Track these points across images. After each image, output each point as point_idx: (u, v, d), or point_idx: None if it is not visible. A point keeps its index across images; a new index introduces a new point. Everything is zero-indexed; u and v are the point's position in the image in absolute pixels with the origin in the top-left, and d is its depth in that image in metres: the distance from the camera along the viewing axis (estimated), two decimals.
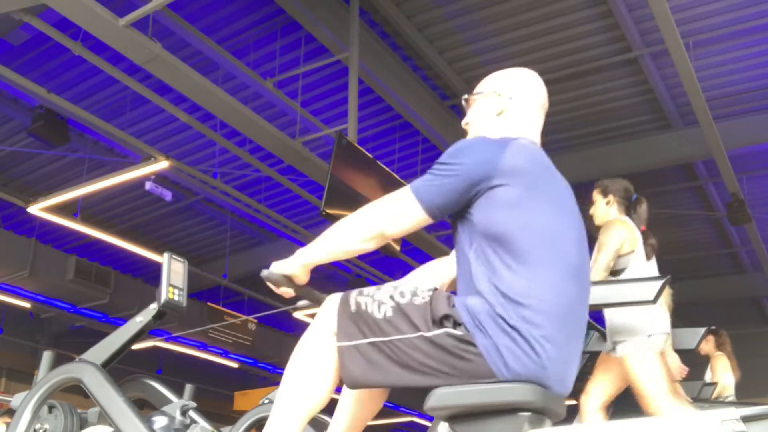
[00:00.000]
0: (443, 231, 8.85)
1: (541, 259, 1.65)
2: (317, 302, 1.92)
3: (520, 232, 1.66)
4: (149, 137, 7.84)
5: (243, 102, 6.29)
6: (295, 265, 1.84)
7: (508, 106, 1.91)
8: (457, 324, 1.63)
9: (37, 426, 2.43)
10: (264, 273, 1.84)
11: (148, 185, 7.63)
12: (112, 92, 7.23)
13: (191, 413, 2.77)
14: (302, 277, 1.86)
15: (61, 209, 8.36)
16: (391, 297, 1.71)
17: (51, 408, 2.48)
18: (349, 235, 1.78)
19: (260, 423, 3.19)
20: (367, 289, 1.77)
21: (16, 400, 2.43)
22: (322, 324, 1.77)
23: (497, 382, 1.58)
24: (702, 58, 6.66)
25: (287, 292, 1.89)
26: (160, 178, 8.06)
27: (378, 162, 6.21)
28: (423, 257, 9.31)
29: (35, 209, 8.02)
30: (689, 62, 5.83)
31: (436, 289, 1.73)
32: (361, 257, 10.16)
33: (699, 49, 6.46)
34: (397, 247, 6.39)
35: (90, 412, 2.63)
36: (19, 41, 6.50)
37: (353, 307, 1.73)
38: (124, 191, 8.83)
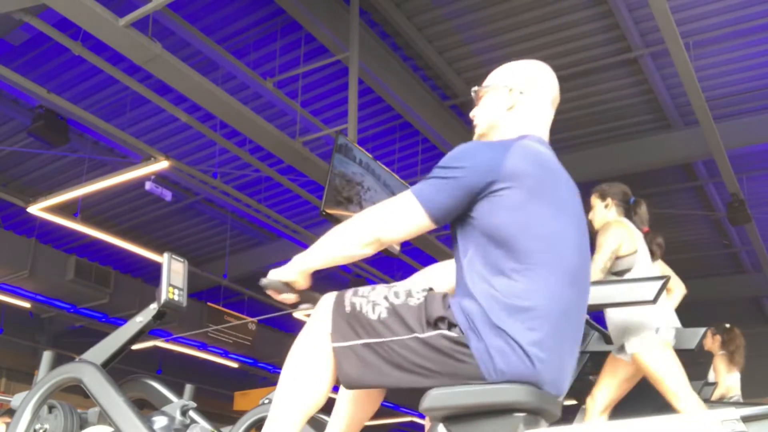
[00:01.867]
0: (444, 231, 8.82)
1: (539, 263, 1.64)
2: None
3: (519, 235, 1.65)
4: (149, 137, 7.83)
5: (243, 102, 6.30)
6: (292, 272, 1.82)
7: (519, 101, 1.88)
8: (452, 325, 1.62)
9: (37, 426, 2.43)
10: (263, 281, 1.84)
11: (148, 185, 7.63)
12: (112, 92, 7.24)
13: (191, 413, 2.77)
14: (301, 282, 1.84)
15: (61, 209, 8.36)
16: (386, 298, 1.70)
17: (51, 408, 2.48)
18: (347, 240, 1.76)
19: (260, 423, 3.19)
20: (361, 289, 1.76)
21: (16, 400, 2.43)
22: (317, 325, 1.77)
23: (490, 383, 1.59)
24: (702, 58, 6.66)
25: (288, 298, 1.88)
26: (160, 178, 8.06)
27: (378, 162, 6.21)
28: (423, 257, 9.32)
29: (35, 209, 8.02)
30: (689, 62, 5.83)
31: (431, 289, 1.73)
32: None
33: (699, 49, 6.46)
34: (397, 248, 6.38)
35: (90, 412, 2.63)
36: (19, 41, 6.50)
37: (348, 308, 1.72)
38: (124, 191, 8.83)
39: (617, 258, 3.31)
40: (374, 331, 1.67)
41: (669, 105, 7.46)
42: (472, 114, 1.99)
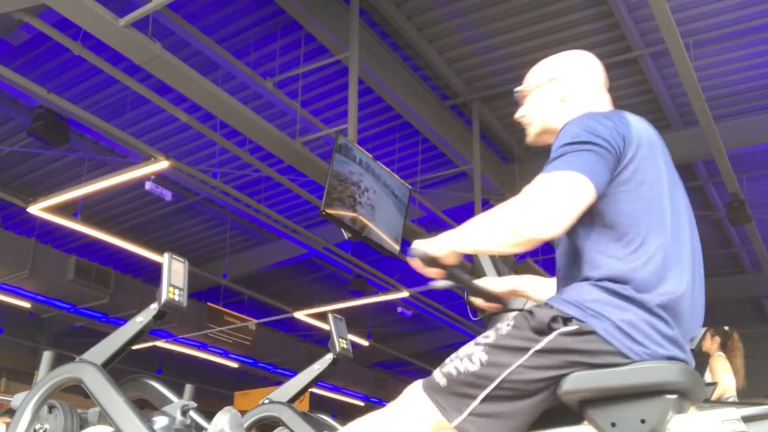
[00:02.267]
0: (443, 231, 8.83)
1: (662, 236, 1.56)
2: (463, 284, 1.81)
3: (643, 209, 1.57)
4: (149, 137, 7.84)
5: (243, 102, 6.30)
6: (441, 249, 1.66)
7: (571, 89, 1.80)
8: (566, 320, 1.52)
9: (37, 426, 2.42)
10: (411, 251, 1.69)
11: (148, 185, 7.62)
12: (112, 92, 7.24)
13: (191, 413, 2.77)
14: (450, 260, 1.68)
15: (61, 209, 8.35)
16: (476, 344, 1.58)
17: (51, 408, 2.48)
18: (506, 239, 1.54)
19: (260, 423, 3.19)
20: (446, 360, 1.63)
21: (16, 400, 2.43)
22: (407, 414, 1.60)
23: (637, 362, 1.46)
24: (702, 58, 6.66)
25: (432, 272, 1.71)
26: (160, 178, 8.05)
27: (378, 162, 6.21)
28: None
29: (35, 209, 8.01)
30: (689, 62, 5.83)
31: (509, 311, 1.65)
32: (361, 257, 10.16)
33: (699, 49, 6.47)
34: (397, 247, 6.38)
35: (90, 412, 2.63)
36: (19, 41, 6.50)
37: (443, 381, 1.58)
38: (124, 191, 8.83)
39: None
40: (486, 378, 1.52)
41: (669, 105, 7.46)
42: (519, 114, 1.90)
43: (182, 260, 2.50)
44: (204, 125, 7.09)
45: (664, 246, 1.57)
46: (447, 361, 1.62)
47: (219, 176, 8.34)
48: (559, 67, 1.84)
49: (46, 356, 2.56)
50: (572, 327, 1.51)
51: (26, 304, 10.43)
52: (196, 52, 6.49)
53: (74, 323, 11.63)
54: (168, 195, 7.97)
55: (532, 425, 1.56)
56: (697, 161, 8.44)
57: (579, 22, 6.36)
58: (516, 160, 8.43)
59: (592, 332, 1.49)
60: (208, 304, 11.33)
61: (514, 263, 8.44)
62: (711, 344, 5.69)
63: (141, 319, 2.43)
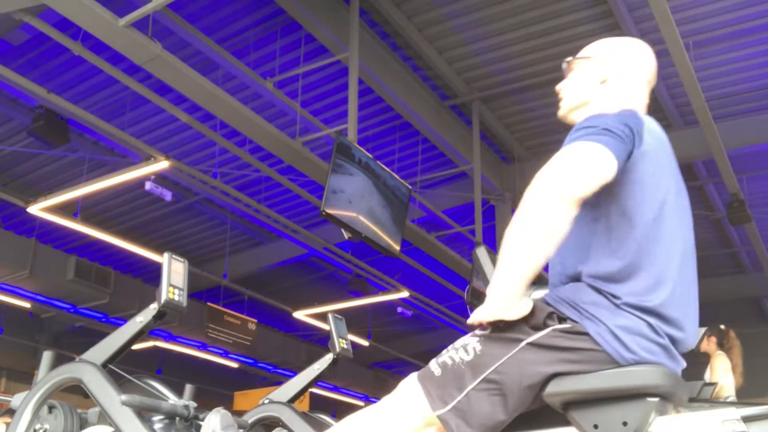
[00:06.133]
0: (443, 231, 8.85)
1: (657, 238, 1.55)
2: None
3: (641, 206, 1.55)
4: (149, 137, 7.84)
5: (243, 102, 6.29)
6: (526, 305, 1.51)
7: (614, 74, 1.76)
8: (561, 319, 1.52)
9: (37, 426, 2.43)
10: (479, 318, 1.54)
11: (148, 185, 7.62)
12: (112, 92, 7.24)
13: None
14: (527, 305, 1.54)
15: (61, 209, 8.35)
16: (473, 335, 1.57)
17: (51, 408, 2.48)
18: (551, 206, 1.43)
19: (260, 423, 3.19)
20: (442, 352, 1.62)
21: (16, 400, 2.43)
22: (401, 406, 1.59)
23: (622, 366, 1.48)
24: (702, 58, 6.66)
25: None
26: (160, 178, 8.05)
27: (378, 162, 6.21)
28: (423, 257, 9.31)
29: (35, 209, 8.01)
30: (689, 62, 5.83)
31: None
32: (361, 257, 10.16)
33: (699, 49, 6.47)
34: (397, 247, 6.38)
35: (90, 412, 2.63)
36: (19, 41, 6.50)
37: (437, 371, 1.57)
38: (124, 191, 8.83)
39: None
40: (477, 367, 1.51)
41: (669, 105, 7.46)
42: (558, 87, 1.86)
43: (182, 260, 2.50)
44: (204, 125, 7.09)
45: (660, 252, 1.56)
46: (443, 351, 1.61)
47: (219, 176, 8.34)
48: (610, 48, 1.81)
49: (46, 356, 2.56)
50: (566, 325, 1.51)
51: (26, 304, 10.43)
52: (196, 52, 6.49)
53: (74, 323, 11.63)
54: (168, 195, 7.97)
55: (513, 426, 1.55)
56: (697, 161, 8.44)
57: (579, 22, 6.36)
58: (516, 160, 8.43)
59: (585, 333, 1.50)
60: (208, 304, 11.32)
61: None
62: (708, 344, 5.69)
63: (141, 319, 2.43)
